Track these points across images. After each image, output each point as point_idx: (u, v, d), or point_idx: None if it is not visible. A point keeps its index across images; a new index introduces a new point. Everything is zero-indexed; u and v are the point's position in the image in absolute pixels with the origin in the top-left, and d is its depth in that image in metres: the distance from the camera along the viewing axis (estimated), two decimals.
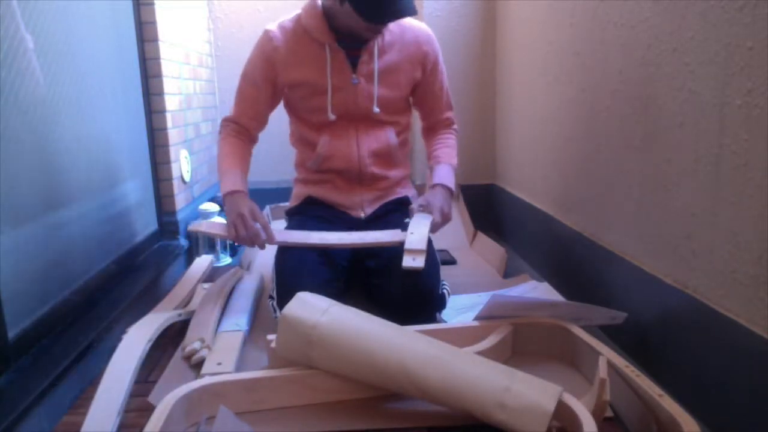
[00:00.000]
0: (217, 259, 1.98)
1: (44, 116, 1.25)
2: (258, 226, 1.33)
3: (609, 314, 1.19)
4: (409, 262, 1.26)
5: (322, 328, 1.03)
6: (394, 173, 1.58)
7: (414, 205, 1.43)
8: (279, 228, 1.48)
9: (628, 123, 1.25)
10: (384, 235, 1.40)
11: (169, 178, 1.91)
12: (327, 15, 1.41)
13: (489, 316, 1.21)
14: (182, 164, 2.01)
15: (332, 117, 1.46)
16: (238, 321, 1.33)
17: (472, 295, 1.55)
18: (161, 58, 1.83)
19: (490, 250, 1.92)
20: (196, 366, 1.18)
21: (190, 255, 1.97)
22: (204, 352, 1.20)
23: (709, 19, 0.97)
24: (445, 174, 1.49)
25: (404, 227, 1.38)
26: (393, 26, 1.46)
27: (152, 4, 1.79)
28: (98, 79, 1.53)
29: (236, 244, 1.31)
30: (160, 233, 1.89)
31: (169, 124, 1.89)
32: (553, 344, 1.19)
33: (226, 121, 1.53)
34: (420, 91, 1.55)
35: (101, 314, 1.31)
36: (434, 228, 1.37)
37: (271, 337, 1.11)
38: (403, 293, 1.32)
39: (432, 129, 1.63)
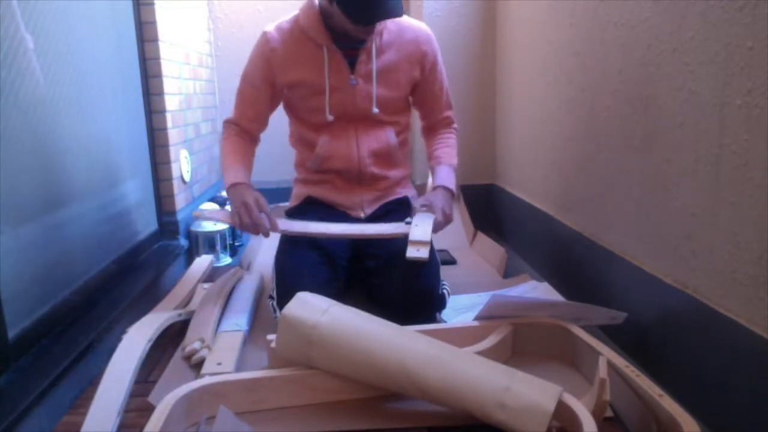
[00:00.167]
0: (217, 259, 1.98)
1: (44, 116, 1.25)
2: (262, 215, 1.35)
3: (609, 314, 1.19)
4: (413, 252, 1.26)
5: (322, 328, 1.03)
6: (394, 173, 1.58)
7: (416, 205, 1.43)
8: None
9: (628, 123, 1.25)
10: (387, 228, 1.41)
11: (169, 178, 1.91)
12: (324, 15, 1.41)
13: (489, 316, 1.21)
14: (182, 164, 2.01)
15: (330, 118, 1.46)
16: (238, 321, 1.34)
17: (472, 295, 1.55)
18: (161, 58, 1.83)
19: (490, 250, 1.92)
20: (196, 366, 1.18)
21: (190, 255, 1.97)
22: (204, 352, 1.20)
23: (709, 19, 0.97)
24: (446, 175, 1.49)
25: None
26: (391, 26, 1.46)
27: (152, 4, 1.79)
28: (98, 79, 1.53)
29: (240, 231, 1.33)
30: (160, 233, 1.89)
31: (169, 124, 1.89)
32: (553, 344, 1.19)
33: (228, 123, 1.54)
34: (419, 91, 1.55)
35: (101, 314, 1.31)
36: (436, 228, 1.37)
37: (271, 337, 1.11)
38: (403, 293, 1.32)
39: (432, 128, 1.63)
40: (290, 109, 1.58)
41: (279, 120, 1.65)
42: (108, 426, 0.92)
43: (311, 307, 1.07)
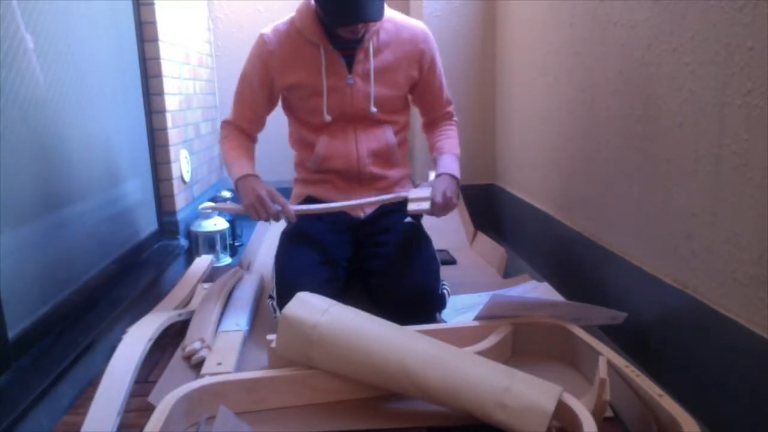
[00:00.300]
0: (217, 259, 1.98)
1: (44, 116, 1.25)
2: (277, 207, 1.37)
3: (609, 314, 1.19)
4: (414, 206, 1.31)
5: (322, 328, 1.03)
6: (394, 173, 1.58)
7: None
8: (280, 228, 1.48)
9: (628, 123, 1.25)
10: (387, 196, 1.47)
11: (169, 178, 1.91)
12: (320, 16, 1.41)
13: (489, 316, 1.21)
14: (182, 164, 2.01)
15: (328, 118, 1.46)
16: (238, 321, 1.34)
17: (472, 295, 1.55)
18: (161, 58, 1.83)
19: (490, 250, 1.92)
20: (196, 366, 1.18)
21: (190, 255, 1.97)
22: (204, 352, 1.20)
23: (709, 19, 0.97)
24: (449, 163, 1.48)
25: (404, 227, 1.38)
26: (389, 25, 1.46)
27: (152, 4, 1.79)
28: (98, 80, 1.53)
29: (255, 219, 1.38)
30: (160, 233, 1.89)
31: (169, 124, 1.89)
32: (553, 344, 1.19)
33: (226, 123, 1.55)
34: (419, 90, 1.56)
35: (101, 314, 1.31)
36: (435, 209, 1.34)
37: (271, 337, 1.11)
38: (403, 293, 1.32)
39: (433, 123, 1.63)
40: (289, 110, 1.58)
41: (278, 120, 1.65)
42: (108, 426, 0.92)
43: (311, 307, 1.07)
